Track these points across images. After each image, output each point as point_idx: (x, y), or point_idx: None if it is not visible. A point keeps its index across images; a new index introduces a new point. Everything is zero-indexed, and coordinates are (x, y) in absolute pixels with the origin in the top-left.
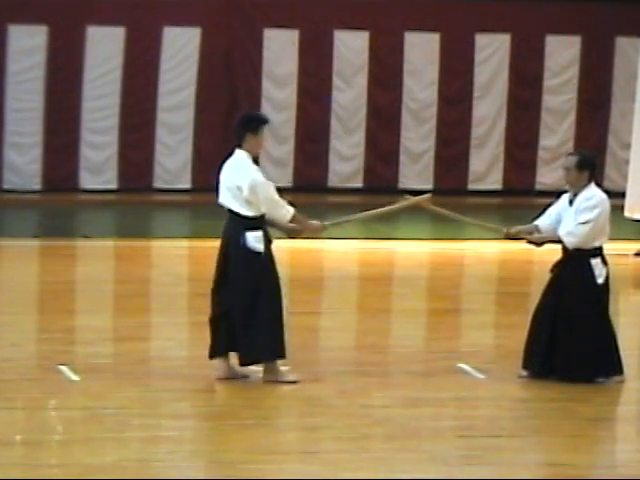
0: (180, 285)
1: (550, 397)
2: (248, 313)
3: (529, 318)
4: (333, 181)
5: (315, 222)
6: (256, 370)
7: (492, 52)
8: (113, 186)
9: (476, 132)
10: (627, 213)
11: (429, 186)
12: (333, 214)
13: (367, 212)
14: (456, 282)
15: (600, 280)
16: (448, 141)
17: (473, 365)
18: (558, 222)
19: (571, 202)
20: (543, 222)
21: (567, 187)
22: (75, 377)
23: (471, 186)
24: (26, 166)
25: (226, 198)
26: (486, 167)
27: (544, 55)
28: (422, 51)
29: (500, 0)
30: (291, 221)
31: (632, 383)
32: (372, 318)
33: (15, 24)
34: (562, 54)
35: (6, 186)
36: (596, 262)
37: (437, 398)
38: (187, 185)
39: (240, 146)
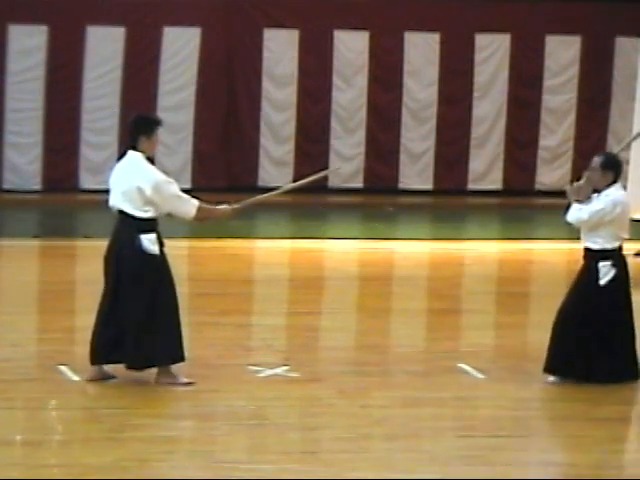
0: (180, 285)
1: (550, 397)
2: (146, 316)
3: (529, 318)
4: (333, 181)
5: (223, 207)
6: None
7: (492, 52)
8: None
9: (476, 132)
10: None
11: (429, 186)
12: (334, 214)
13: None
14: (456, 282)
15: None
16: (448, 141)
17: (473, 365)
18: None
19: None
20: None
21: (567, 187)
22: (75, 377)
23: (471, 186)
24: (26, 166)
25: (119, 200)
26: (486, 167)
27: (544, 55)
28: (422, 51)
29: (500, 0)
30: (197, 212)
31: (632, 383)
32: (372, 318)
33: (15, 24)
34: (562, 54)
35: (6, 186)
36: None
37: (437, 398)
38: (187, 185)
39: (134, 148)
